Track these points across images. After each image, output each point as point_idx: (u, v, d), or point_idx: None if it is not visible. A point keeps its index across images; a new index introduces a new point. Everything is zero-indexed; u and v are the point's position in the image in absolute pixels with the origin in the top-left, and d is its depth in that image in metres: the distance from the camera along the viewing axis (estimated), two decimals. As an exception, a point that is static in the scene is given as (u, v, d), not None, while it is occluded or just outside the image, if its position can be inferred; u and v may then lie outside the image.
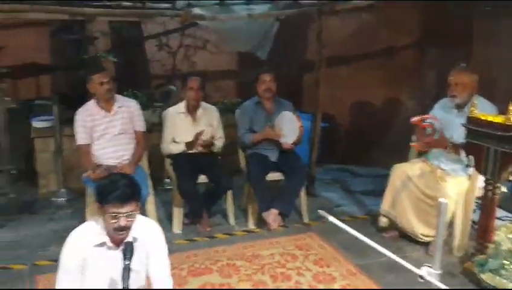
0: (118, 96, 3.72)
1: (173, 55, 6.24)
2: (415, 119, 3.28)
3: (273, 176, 4.01)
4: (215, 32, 5.12)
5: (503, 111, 2.96)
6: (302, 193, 4.07)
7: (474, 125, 3.02)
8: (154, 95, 5.61)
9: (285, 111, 4.04)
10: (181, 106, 4.04)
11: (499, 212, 3.55)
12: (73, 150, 4.27)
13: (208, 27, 4.95)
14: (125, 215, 2.01)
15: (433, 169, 3.57)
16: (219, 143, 4.06)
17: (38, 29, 5.72)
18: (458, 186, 3.40)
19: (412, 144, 3.53)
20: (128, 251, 1.96)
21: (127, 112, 3.70)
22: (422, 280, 1.79)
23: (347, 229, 1.89)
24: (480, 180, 3.26)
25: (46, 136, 4.68)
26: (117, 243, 2.10)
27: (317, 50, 4.60)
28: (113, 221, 2.01)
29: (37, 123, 4.74)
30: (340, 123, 5.99)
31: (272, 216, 3.85)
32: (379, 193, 3.89)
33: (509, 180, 3.21)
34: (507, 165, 2.90)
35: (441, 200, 1.92)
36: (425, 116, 3.36)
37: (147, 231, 2.21)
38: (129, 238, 2.09)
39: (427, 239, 3.51)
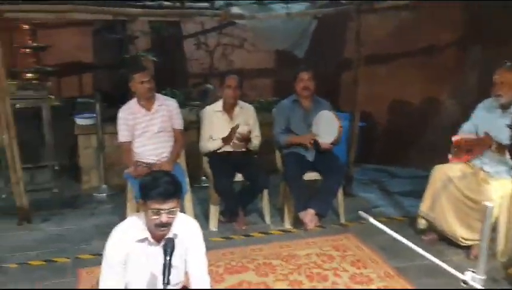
0: (158, 95, 3.78)
1: (211, 54, 6.33)
2: (457, 138, 3.25)
3: (310, 175, 3.97)
4: (252, 30, 5.14)
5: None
6: (340, 194, 4.03)
7: (519, 126, 2.91)
8: (191, 94, 5.69)
9: (324, 110, 3.97)
10: (218, 105, 4.06)
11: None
12: (115, 147, 4.39)
13: (245, 26, 4.99)
14: (166, 211, 2.05)
15: (475, 171, 3.46)
16: (256, 141, 4.06)
17: (82, 29, 5.91)
18: (502, 189, 3.29)
19: (449, 158, 3.48)
20: (169, 247, 1.98)
21: (167, 111, 3.75)
22: (465, 285, 1.74)
23: (387, 231, 1.87)
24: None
25: (88, 133, 4.83)
26: (158, 239, 2.13)
27: (355, 48, 4.55)
28: (155, 217, 2.05)
29: (80, 120, 4.89)
30: (378, 122, 5.91)
31: (309, 216, 3.82)
32: (417, 195, 3.83)
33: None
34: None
35: (486, 203, 1.86)
36: (467, 136, 3.34)
37: (186, 227, 2.23)
38: (170, 235, 2.12)
39: (468, 243, 3.42)
